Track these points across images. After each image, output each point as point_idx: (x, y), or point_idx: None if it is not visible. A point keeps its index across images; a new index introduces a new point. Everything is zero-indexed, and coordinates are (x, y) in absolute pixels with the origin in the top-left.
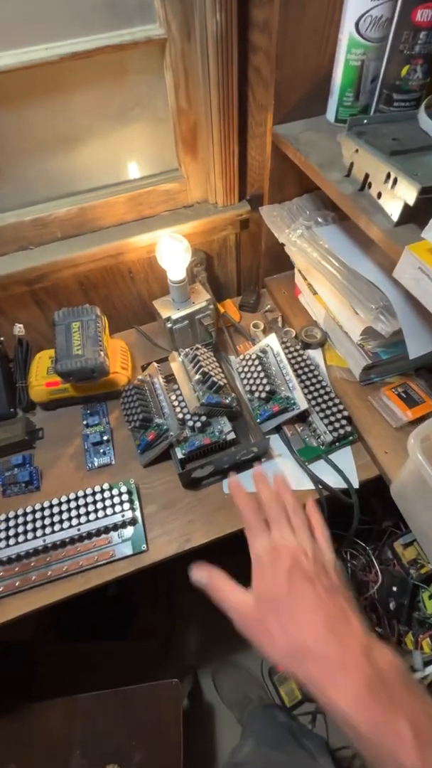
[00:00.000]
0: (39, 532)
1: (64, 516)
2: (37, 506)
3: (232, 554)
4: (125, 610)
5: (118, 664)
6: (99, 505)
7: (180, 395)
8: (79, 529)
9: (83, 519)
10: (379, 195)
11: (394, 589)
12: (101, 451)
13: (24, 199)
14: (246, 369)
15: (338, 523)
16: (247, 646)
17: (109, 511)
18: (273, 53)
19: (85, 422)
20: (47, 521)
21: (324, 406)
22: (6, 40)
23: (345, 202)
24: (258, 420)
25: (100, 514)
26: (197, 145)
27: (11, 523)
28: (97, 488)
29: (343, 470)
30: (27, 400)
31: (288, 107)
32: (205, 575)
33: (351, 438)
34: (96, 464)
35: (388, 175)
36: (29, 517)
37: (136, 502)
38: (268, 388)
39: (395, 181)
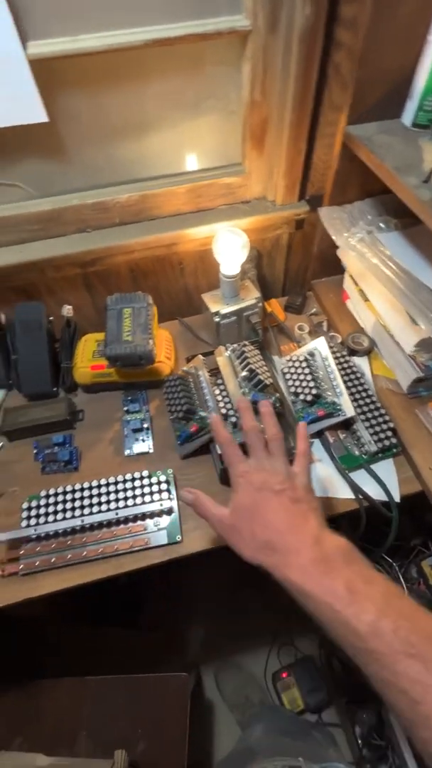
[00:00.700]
0: (77, 512)
1: (103, 498)
2: (77, 486)
3: None
4: (134, 599)
5: (125, 652)
6: (138, 492)
7: (224, 390)
8: (117, 513)
9: (121, 504)
10: None
11: None
12: (140, 438)
13: (88, 183)
14: (292, 370)
15: (367, 538)
16: (251, 648)
17: (147, 498)
18: (357, 51)
19: (126, 408)
20: (86, 502)
21: (369, 415)
22: (93, 22)
23: (422, 208)
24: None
25: (138, 500)
26: (265, 140)
27: (51, 500)
28: (137, 474)
29: (385, 482)
30: (70, 381)
31: (364, 108)
32: (192, 496)
33: (395, 450)
34: (134, 451)
35: None
36: (68, 496)
37: (173, 492)
38: (314, 391)
39: None
